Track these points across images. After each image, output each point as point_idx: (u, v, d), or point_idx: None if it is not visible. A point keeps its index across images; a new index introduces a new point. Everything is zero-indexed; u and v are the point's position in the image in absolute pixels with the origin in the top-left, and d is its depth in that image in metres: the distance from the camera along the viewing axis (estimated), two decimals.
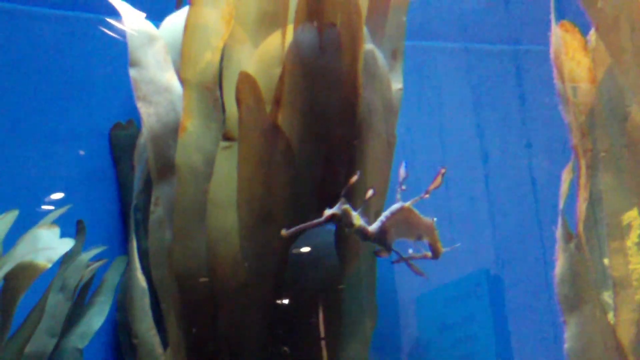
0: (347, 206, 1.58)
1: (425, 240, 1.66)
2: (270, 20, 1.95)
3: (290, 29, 1.90)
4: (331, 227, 1.82)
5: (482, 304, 2.39)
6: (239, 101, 1.79)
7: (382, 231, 1.60)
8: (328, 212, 1.55)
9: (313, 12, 1.86)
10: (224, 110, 1.94)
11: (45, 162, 2.64)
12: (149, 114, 1.96)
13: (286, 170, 1.83)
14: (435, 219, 1.64)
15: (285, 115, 1.83)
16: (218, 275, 1.86)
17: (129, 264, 2.17)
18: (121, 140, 2.67)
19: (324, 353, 1.84)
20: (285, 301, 1.84)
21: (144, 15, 2.22)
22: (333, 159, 1.84)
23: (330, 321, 1.86)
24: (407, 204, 1.59)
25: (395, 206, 1.60)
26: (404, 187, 1.59)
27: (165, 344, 2.02)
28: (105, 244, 2.50)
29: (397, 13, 2.07)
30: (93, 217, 2.58)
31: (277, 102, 1.82)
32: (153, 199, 1.95)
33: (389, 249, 1.62)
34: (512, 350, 2.36)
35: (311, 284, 1.85)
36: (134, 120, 2.68)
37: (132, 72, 2.00)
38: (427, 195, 1.60)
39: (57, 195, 2.52)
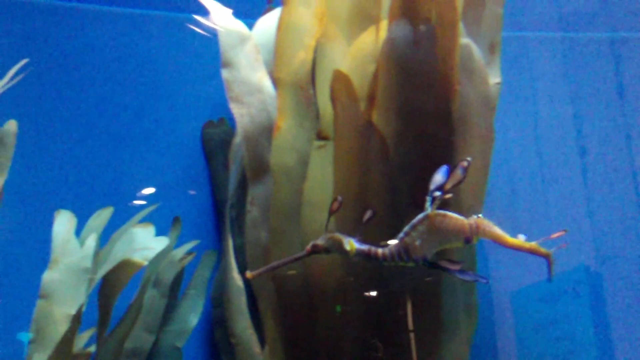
0: (333, 234, 1.52)
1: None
2: (363, 17, 1.92)
3: (384, 25, 1.86)
4: None
5: (582, 301, 2.31)
6: (334, 99, 1.77)
7: (403, 249, 1.52)
8: (310, 244, 1.51)
9: (407, 7, 1.82)
10: (317, 109, 1.93)
11: (140, 160, 2.69)
12: (242, 115, 1.96)
13: (381, 169, 1.80)
14: (480, 215, 1.55)
15: (380, 113, 1.81)
16: (315, 276, 1.85)
17: (224, 263, 2.18)
18: (213, 138, 2.70)
19: (425, 352, 1.81)
20: (383, 300, 1.81)
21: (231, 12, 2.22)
22: (429, 157, 1.80)
23: (430, 320, 1.82)
24: (432, 210, 1.50)
25: (419, 217, 1.52)
26: (436, 193, 1.51)
27: (262, 342, 2.02)
28: (197, 240, 2.53)
29: (494, 5, 2.02)
30: (185, 214, 2.61)
31: (371, 99, 1.80)
32: (249, 199, 1.96)
33: (420, 264, 1.54)
34: (613, 350, 2.28)
35: (409, 282, 1.82)
36: (226, 118, 2.70)
37: (224, 73, 2.01)
38: (448, 196, 1.51)
39: (151, 192, 2.56)
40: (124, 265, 2.21)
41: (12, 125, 2.07)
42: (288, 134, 1.89)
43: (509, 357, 2.48)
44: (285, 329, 1.90)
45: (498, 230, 1.55)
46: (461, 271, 1.55)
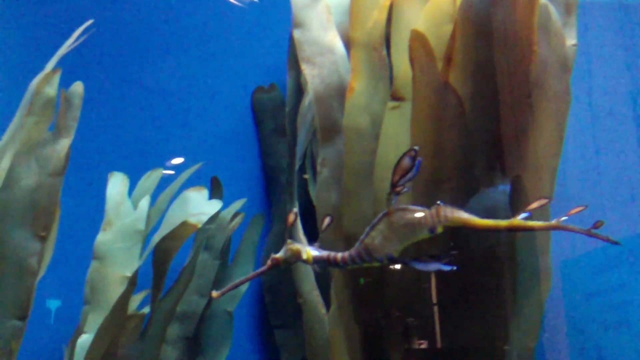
0: (292, 245, 1.51)
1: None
2: None
3: None
4: (505, 188, 1.77)
5: (636, 270, 2.31)
6: (412, 60, 1.76)
7: (364, 250, 1.50)
8: (270, 258, 1.50)
9: None
10: (391, 70, 1.92)
11: (190, 124, 2.68)
12: (313, 75, 1.95)
13: (457, 130, 1.79)
14: (439, 202, 1.51)
15: (457, 74, 1.79)
16: None
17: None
18: (263, 103, 2.69)
19: (499, 315, 1.81)
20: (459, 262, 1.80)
21: None
22: (506, 119, 1.79)
23: (505, 283, 1.82)
24: (391, 207, 1.48)
25: (378, 216, 1.50)
26: (403, 188, 1.47)
27: (327, 304, 2.03)
28: (245, 202, 2.53)
29: None
30: (234, 179, 2.62)
31: (448, 60, 1.78)
32: (319, 160, 1.96)
33: (386, 262, 1.53)
34: None
35: (484, 245, 1.81)
36: (276, 83, 2.69)
37: (296, 33, 2.00)
38: (398, 188, 1.48)
39: (180, 161, 2.56)
40: (180, 229, 2.21)
41: (78, 87, 2.06)
42: (362, 94, 1.88)
43: (559, 326, 2.47)
44: (354, 290, 1.90)
45: (463, 215, 1.51)
46: (423, 262, 1.52)
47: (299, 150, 2.18)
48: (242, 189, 2.71)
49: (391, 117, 1.84)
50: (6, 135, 2.03)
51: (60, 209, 2.08)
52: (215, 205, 2.40)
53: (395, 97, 1.84)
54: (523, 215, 1.49)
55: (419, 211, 1.50)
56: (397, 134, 1.83)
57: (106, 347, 2.14)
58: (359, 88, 1.88)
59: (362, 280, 1.90)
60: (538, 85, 1.78)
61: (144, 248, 2.37)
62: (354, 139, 1.87)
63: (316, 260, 1.56)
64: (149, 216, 2.44)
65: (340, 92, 1.93)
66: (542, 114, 1.79)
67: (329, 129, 1.94)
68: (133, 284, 2.24)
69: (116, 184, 2.48)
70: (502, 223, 1.49)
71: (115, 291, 2.29)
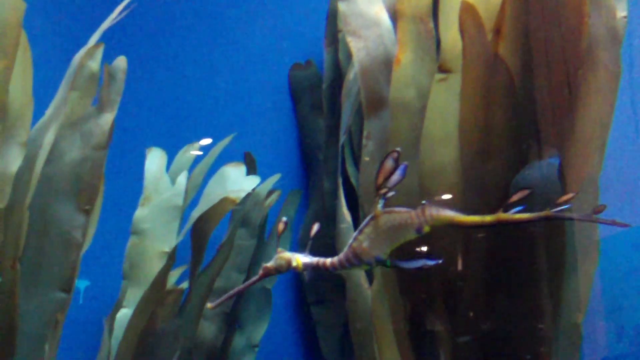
0: (282, 254, 1.51)
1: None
2: None
3: None
4: (555, 161, 1.76)
5: None
6: (462, 31, 1.75)
7: (352, 254, 1.49)
8: (261, 267, 1.51)
9: None
10: (437, 42, 1.91)
11: (227, 101, 2.68)
12: (359, 48, 1.94)
13: (507, 102, 1.78)
14: (424, 202, 1.48)
15: (507, 46, 1.78)
16: None
17: (336, 200, 2.17)
18: (300, 80, 2.68)
19: (545, 290, 1.80)
20: (504, 239, 1.79)
21: None
22: (555, 91, 1.77)
23: (552, 256, 1.81)
24: (377, 210, 1.46)
25: (366, 220, 1.47)
26: (388, 191, 1.44)
27: (370, 279, 2.02)
28: (282, 179, 2.53)
29: None
30: (271, 155, 2.62)
31: (497, 31, 1.76)
32: (365, 133, 1.95)
33: (374, 265, 1.52)
34: None
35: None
36: (313, 60, 2.68)
37: (342, 6, 1.99)
38: (383, 191, 1.45)
39: (208, 142, 2.56)
40: (219, 204, 2.21)
41: (122, 62, 2.07)
42: (408, 67, 1.87)
43: (596, 303, 2.46)
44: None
45: (449, 213, 1.48)
46: (408, 261, 1.51)
47: (344, 124, 2.17)
48: (279, 166, 2.71)
49: (438, 90, 1.83)
50: (50, 110, 2.03)
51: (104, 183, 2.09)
52: (254, 181, 2.41)
53: (443, 69, 1.83)
54: (516, 209, 1.47)
55: (405, 213, 1.48)
56: (443, 106, 1.82)
57: (145, 322, 2.16)
58: (405, 60, 1.87)
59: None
60: (588, 58, 1.76)
61: (181, 223, 2.38)
62: (400, 112, 1.87)
63: (306, 267, 1.56)
64: (186, 191, 2.45)
65: (386, 65, 1.93)
66: (591, 87, 1.77)
67: (375, 102, 1.93)
68: (172, 259, 2.25)
69: (154, 160, 2.49)
70: (488, 218, 1.47)
71: (154, 266, 2.30)
